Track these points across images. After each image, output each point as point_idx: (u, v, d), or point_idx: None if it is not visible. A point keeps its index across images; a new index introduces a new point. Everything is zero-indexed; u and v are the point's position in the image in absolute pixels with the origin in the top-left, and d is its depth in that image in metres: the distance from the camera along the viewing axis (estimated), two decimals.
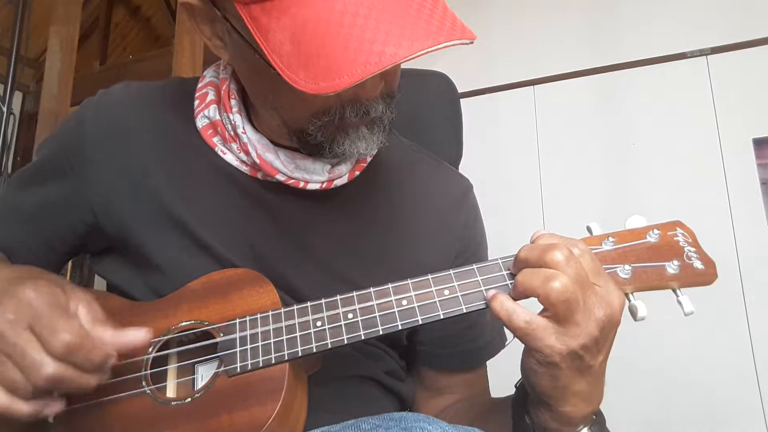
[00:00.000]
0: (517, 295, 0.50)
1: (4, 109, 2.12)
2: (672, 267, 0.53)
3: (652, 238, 0.55)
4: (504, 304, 0.49)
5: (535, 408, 0.55)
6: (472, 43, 0.47)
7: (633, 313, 0.52)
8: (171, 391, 0.57)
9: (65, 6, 2.47)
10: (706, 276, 0.53)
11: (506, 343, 0.75)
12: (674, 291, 0.53)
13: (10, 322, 0.45)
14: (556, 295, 0.46)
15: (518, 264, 0.51)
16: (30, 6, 2.24)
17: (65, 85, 2.43)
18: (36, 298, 0.46)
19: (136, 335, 0.50)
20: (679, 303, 0.52)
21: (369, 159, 0.70)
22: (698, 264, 0.53)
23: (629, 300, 0.52)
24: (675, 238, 0.55)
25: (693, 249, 0.54)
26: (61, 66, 2.42)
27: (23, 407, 0.45)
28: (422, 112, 0.94)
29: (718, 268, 0.54)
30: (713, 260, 0.54)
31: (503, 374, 0.57)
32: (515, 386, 0.60)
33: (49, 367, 0.44)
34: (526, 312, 0.48)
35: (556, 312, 0.47)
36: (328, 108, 0.57)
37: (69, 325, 0.46)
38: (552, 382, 0.50)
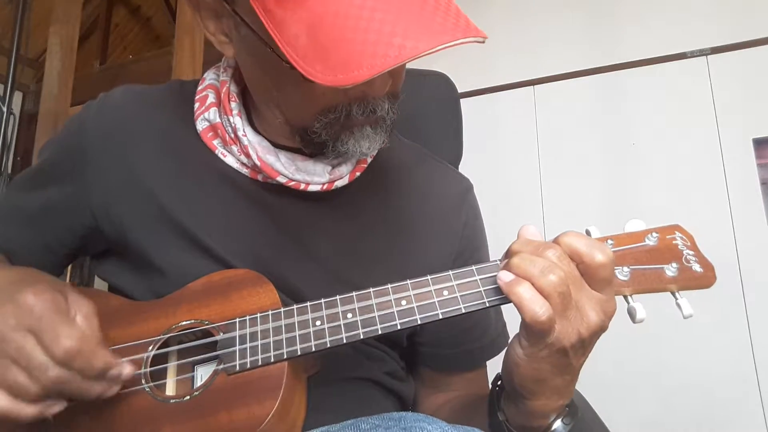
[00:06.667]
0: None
1: (4, 109, 2.12)
2: (670, 270, 0.53)
3: (651, 241, 0.55)
4: (527, 292, 0.47)
5: (509, 403, 0.56)
6: (483, 42, 0.48)
7: (632, 315, 0.52)
8: (170, 390, 0.57)
9: (65, 6, 2.47)
10: (705, 279, 0.53)
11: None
12: (673, 294, 0.54)
13: (12, 327, 0.46)
14: (554, 286, 0.46)
15: (510, 254, 0.51)
16: (30, 6, 2.25)
17: (65, 85, 2.43)
18: (37, 303, 0.47)
19: (124, 369, 0.50)
20: (678, 306, 0.52)
21: (369, 160, 0.69)
22: (697, 267, 0.54)
23: (628, 302, 0.53)
24: (674, 242, 0.55)
25: (692, 252, 0.55)
26: (61, 66, 2.42)
27: (27, 409, 0.46)
28: (422, 112, 0.94)
29: (718, 268, 0.54)
30: (712, 264, 0.54)
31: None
32: (491, 383, 0.60)
33: (53, 369, 0.46)
34: (546, 304, 0.47)
35: (552, 304, 0.47)
36: (335, 105, 0.57)
37: (70, 331, 0.47)
38: (533, 375, 0.51)
